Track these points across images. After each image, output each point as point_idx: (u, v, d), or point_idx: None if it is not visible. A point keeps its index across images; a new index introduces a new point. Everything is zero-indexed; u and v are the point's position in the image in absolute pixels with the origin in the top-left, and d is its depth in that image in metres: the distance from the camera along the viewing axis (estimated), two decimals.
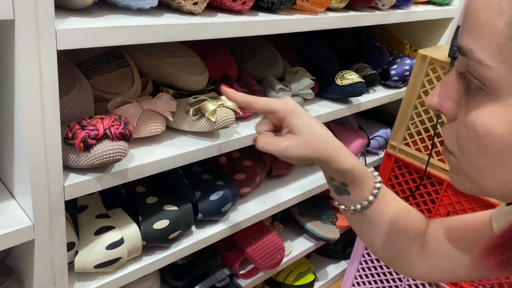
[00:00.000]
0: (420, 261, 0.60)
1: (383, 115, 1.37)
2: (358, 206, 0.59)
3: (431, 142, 1.07)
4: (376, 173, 0.61)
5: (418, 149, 1.12)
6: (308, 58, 1.06)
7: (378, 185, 0.59)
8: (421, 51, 1.05)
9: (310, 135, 0.56)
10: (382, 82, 1.18)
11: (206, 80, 0.79)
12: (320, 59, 1.05)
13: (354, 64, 1.12)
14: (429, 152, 1.07)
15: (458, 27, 0.98)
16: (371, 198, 0.58)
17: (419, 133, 1.11)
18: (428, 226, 0.62)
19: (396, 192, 1.18)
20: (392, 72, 1.16)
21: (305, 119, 0.58)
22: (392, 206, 0.60)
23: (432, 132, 1.07)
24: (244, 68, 0.93)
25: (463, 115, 0.37)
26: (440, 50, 1.06)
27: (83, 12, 0.56)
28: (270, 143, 0.58)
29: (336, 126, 1.26)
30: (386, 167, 1.18)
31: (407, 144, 1.13)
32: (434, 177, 1.10)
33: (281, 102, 0.59)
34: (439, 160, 1.08)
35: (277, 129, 0.61)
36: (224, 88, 0.63)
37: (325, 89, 1.02)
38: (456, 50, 0.97)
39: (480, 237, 0.55)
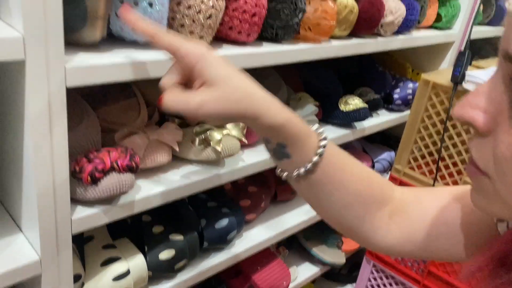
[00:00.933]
0: (387, 232, 0.53)
1: (387, 138, 1.38)
2: (302, 170, 0.49)
3: (435, 165, 1.07)
4: (322, 129, 0.51)
5: (423, 173, 1.12)
6: (312, 83, 1.07)
7: (323, 142, 0.49)
8: (423, 75, 1.06)
9: (230, 86, 0.46)
10: (385, 105, 1.19)
11: None
12: (323, 83, 1.06)
13: (357, 88, 1.13)
14: (434, 176, 1.07)
15: (460, 53, 0.99)
16: (315, 158, 0.49)
17: (423, 157, 1.11)
18: (403, 193, 0.55)
19: None
20: (395, 96, 1.17)
21: (222, 67, 0.47)
22: (344, 169, 0.51)
23: (436, 156, 1.07)
24: None
25: (504, 132, 0.33)
26: (442, 74, 1.07)
27: (91, 48, 0.57)
28: (179, 101, 0.46)
29: None
30: None
31: (411, 168, 1.13)
32: None
33: (193, 45, 0.47)
34: (445, 184, 1.08)
35: (188, 83, 0.50)
36: (124, 11, 0.50)
37: (328, 114, 1.03)
38: (458, 76, 0.98)
39: (480, 229, 0.48)
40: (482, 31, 1.38)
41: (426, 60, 1.30)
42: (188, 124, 0.78)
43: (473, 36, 1.35)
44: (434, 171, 1.07)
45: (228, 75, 0.46)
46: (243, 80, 0.47)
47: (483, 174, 0.36)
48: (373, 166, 1.24)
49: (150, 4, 0.57)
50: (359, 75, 1.18)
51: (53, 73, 0.49)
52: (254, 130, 0.51)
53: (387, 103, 1.19)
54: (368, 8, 0.88)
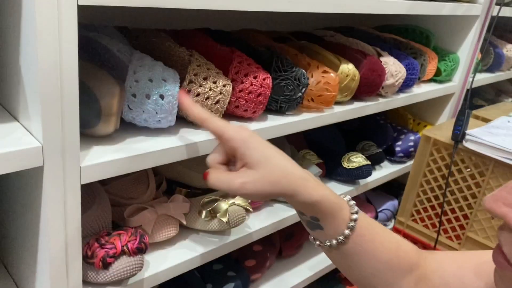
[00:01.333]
0: None
1: (390, 185, 1.39)
2: (334, 242, 0.52)
3: (438, 219, 1.08)
4: (353, 202, 0.54)
5: (426, 226, 1.13)
6: (315, 140, 1.09)
7: (354, 216, 0.52)
8: (424, 132, 1.08)
9: (268, 168, 0.50)
10: (388, 157, 1.21)
11: None
12: (327, 141, 1.09)
13: (360, 142, 1.15)
14: (437, 229, 1.08)
15: (459, 111, 1.02)
16: (347, 232, 0.52)
17: (426, 210, 1.12)
18: (426, 258, 0.57)
19: None
20: (397, 149, 1.19)
21: (261, 150, 0.51)
22: (374, 239, 0.54)
23: (439, 210, 1.09)
24: None
25: None
26: (443, 129, 1.09)
27: (105, 139, 0.60)
28: (223, 180, 0.51)
29: None
30: None
31: (414, 221, 1.15)
32: None
33: (236, 130, 0.52)
34: (447, 238, 1.09)
35: (231, 161, 0.55)
36: (181, 97, 0.56)
37: (332, 172, 1.05)
38: (459, 134, 1.00)
39: None
40: (482, 79, 1.41)
41: (427, 111, 1.33)
42: (195, 194, 0.80)
43: (473, 85, 1.38)
44: (437, 224, 1.08)
45: (266, 158, 0.51)
46: (281, 161, 0.52)
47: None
48: (376, 217, 1.26)
49: (161, 97, 0.60)
50: (361, 128, 1.20)
51: (69, 174, 0.52)
52: (291, 204, 0.54)
53: (390, 155, 1.21)
54: (369, 75, 0.90)
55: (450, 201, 1.06)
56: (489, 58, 1.43)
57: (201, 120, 0.56)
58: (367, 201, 1.30)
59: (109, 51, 0.63)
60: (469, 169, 1.02)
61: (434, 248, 1.09)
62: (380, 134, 1.18)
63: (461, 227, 1.06)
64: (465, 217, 1.05)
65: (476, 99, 1.80)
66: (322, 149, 1.07)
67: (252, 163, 0.50)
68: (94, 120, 0.56)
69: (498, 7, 1.18)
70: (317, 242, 0.56)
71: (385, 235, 0.56)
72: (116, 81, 0.57)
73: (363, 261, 0.54)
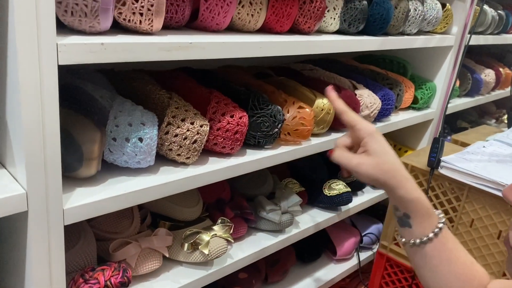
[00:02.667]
0: None
1: (375, 208, 1.42)
2: (417, 241, 0.61)
3: None
4: (442, 215, 0.63)
5: None
6: (298, 168, 1.13)
7: (440, 225, 0.60)
8: (402, 159, 1.12)
9: (383, 159, 0.61)
10: None
11: (200, 210, 0.86)
12: (308, 168, 1.13)
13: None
14: None
15: (434, 139, 1.06)
16: (431, 235, 0.60)
17: None
18: (490, 283, 0.62)
19: None
20: None
21: (382, 144, 0.62)
22: (453, 251, 0.61)
23: None
24: (236, 187, 1.00)
25: None
26: (421, 155, 1.13)
27: (88, 181, 0.64)
28: (344, 157, 0.64)
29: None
30: (379, 265, 1.21)
31: (397, 244, 1.18)
32: None
33: (366, 124, 0.65)
34: None
35: (353, 148, 0.67)
36: (329, 93, 0.70)
37: (314, 199, 1.09)
38: (434, 161, 1.05)
39: None
40: (461, 104, 1.46)
41: (408, 136, 1.38)
42: (178, 227, 0.84)
43: (452, 110, 1.43)
44: None
45: (384, 151, 0.62)
46: (394, 158, 0.62)
47: None
48: (361, 241, 1.29)
49: (140, 140, 0.64)
50: None
51: (52, 217, 0.55)
52: (390, 198, 0.63)
53: None
54: None
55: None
56: (467, 84, 1.48)
57: (340, 112, 0.67)
58: (352, 225, 1.33)
59: (92, 98, 0.67)
60: (446, 196, 1.06)
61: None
62: None
63: None
64: None
65: (460, 121, 1.85)
66: (305, 177, 1.11)
67: (371, 151, 0.62)
68: (77, 164, 0.60)
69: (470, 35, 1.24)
70: (403, 240, 0.64)
71: (463, 251, 0.63)
72: (97, 127, 0.61)
73: (440, 267, 0.61)
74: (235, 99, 0.81)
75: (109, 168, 0.68)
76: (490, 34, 1.46)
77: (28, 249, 0.56)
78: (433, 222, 0.61)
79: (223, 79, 0.90)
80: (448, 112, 1.44)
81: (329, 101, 0.73)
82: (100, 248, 0.76)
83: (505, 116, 2.05)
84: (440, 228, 0.60)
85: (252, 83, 0.93)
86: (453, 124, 1.83)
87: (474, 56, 1.75)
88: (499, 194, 0.95)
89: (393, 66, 1.27)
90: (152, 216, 0.86)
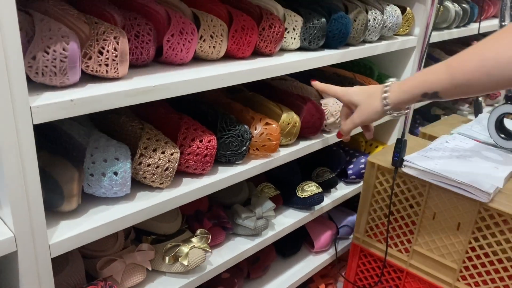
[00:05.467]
0: None
1: (350, 200, 1.51)
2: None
3: (389, 234, 1.20)
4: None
5: (379, 241, 1.25)
6: (273, 172, 1.20)
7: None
8: (369, 158, 1.20)
9: (364, 103, 0.80)
10: (342, 179, 1.33)
11: (179, 223, 0.94)
12: (283, 172, 1.20)
13: (315, 169, 1.27)
14: (388, 243, 1.21)
15: (397, 140, 1.13)
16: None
17: (377, 227, 1.24)
18: None
19: (365, 278, 1.31)
20: (349, 172, 1.31)
21: (355, 96, 0.82)
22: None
23: (388, 226, 1.21)
24: (214, 196, 1.07)
25: None
26: (386, 154, 1.21)
27: (70, 213, 0.71)
28: (347, 124, 0.84)
29: None
30: (353, 255, 1.31)
31: (369, 236, 1.27)
32: (394, 266, 1.22)
33: (342, 89, 0.84)
34: (397, 251, 1.21)
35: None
36: (315, 83, 0.89)
37: (289, 201, 1.17)
38: (397, 160, 1.12)
39: None
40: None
41: (377, 132, 1.45)
42: (160, 241, 0.91)
43: (420, 104, 1.50)
44: (388, 239, 1.21)
45: (360, 101, 0.82)
46: (363, 98, 0.82)
47: None
48: (338, 232, 1.38)
49: (115, 173, 0.71)
50: (315, 155, 1.31)
51: (40, 252, 0.63)
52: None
53: (344, 177, 1.33)
54: (310, 119, 1.02)
55: (397, 218, 1.19)
56: None
57: (324, 89, 0.87)
58: (329, 218, 1.42)
59: (69, 135, 0.73)
60: (411, 192, 1.14)
61: (385, 261, 1.21)
62: (333, 159, 1.29)
63: (408, 241, 1.19)
64: (411, 232, 1.17)
65: (434, 108, 1.92)
66: (279, 180, 1.19)
67: (354, 105, 0.83)
68: (59, 202, 0.67)
69: (433, 34, 1.30)
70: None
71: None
72: (74, 167, 0.68)
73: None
74: (204, 120, 0.88)
75: (89, 198, 0.75)
76: (456, 27, 1.52)
77: (20, 282, 0.63)
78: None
79: (194, 100, 0.96)
80: (417, 107, 1.52)
81: (317, 87, 0.90)
82: (88, 266, 0.83)
83: (480, 99, 2.12)
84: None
85: (221, 101, 0.99)
86: (427, 111, 1.90)
87: (447, 45, 1.81)
88: (457, 190, 1.03)
89: (360, 68, 1.34)
90: (136, 231, 0.93)
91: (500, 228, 1.01)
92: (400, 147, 1.13)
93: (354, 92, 0.83)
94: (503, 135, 1.22)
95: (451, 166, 1.09)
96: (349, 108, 0.86)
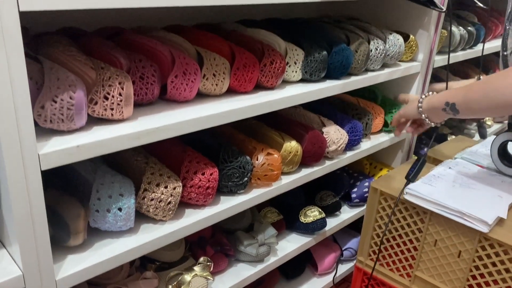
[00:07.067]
0: None
1: (354, 221, 1.52)
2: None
3: (391, 259, 1.22)
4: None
5: (382, 265, 1.26)
6: (277, 197, 1.23)
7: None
8: (372, 184, 1.21)
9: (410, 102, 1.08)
10: (346, 202, 1.34)
11: (182, 251, 0.96)
12: (286, 196, 1.22)
13: (318, 192, 1.29)
14: (391, 267, 1.22)
15: (417, 158, 1.14)
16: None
17: (380, 251, 1.25)
18: None
19: None
20: (353, 195, 1.32)
21: (411, 98, 1.14)
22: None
23: (391, 251, 1.22)
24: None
25: None
26: (391, 180, 1.22)
27: (77, 248, 0.74)
28: (395, 114, 1.10)
29: None
30: (356, 279, 1.32)
31: (372, 259, 1.28)
32: None
33: (412, 95, 1.19)
34: (400, 275, 1.22)
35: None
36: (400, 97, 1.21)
37: (291, 225, 1.19)
38: (411, 173, 1.13)
39: None
40: None
41: (382, 155, 1.46)
42: (163, 268, 0.94)
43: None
44: (391, 264, 1.22)
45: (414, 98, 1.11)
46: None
47: None
48: (342, 254, 1.39)
49: (120, 209, 0.74)
50: (319, 179, 1.33)
51: (46, 287, 0.66)
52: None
53: (347, 200, 1.34)
54: (311, 147, 1.04)
55: (399, 243, 1.20)
56: None
57: (406, 100, 1.18)
58: (333, 239, 1.43)
59: (76, 172, 0.77)
60: (413, 218, 1.15)
61: (371, 276, 1.22)
62: (337, 183, 1.31)
63: (410, 266, 1.20)
64: (413, 257, 1.18)
65: (441, 127, 1.92)
66: (283, 204, 1.21)
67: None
68: (65, 238, 0.70)
69: (437, 58, 1.31)
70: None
71: None
72: (81, 204, 0.71)
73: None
74: (207, 151, 0.91)
75: (95, 231, 0.78)
76: (462, 50, 1.53)
77: None
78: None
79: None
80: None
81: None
82: None
83: (486, 118, 2.12)
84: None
85: (224, 131, 1.02)
86: (434, 130, 1.90)
87: (454, 66, 1.82)
88: (457, 219, 1.04)
89: (364, 92, 1.35)
90: (141, 258, 0.96)
91: (501, 258, 1.01)
92: (417, 164, 1.14)
93: (412, 96, 1.17)
94: (506, 162, 1.22)
95: (453, 194, 1.10)
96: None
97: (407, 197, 1.13)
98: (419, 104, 1.00)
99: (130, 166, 0.83)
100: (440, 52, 1.40)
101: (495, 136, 1.25)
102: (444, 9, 1.16)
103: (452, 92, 0.93)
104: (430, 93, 1.00)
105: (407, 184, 1.15)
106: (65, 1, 0.55)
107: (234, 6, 1.17)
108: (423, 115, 1.02)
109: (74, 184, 0.77)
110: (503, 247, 1.00)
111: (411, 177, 1.14)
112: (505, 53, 1.11)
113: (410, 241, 1.17)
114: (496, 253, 1.02)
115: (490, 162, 1.27)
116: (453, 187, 1.15)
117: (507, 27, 1.10)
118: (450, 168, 1.26)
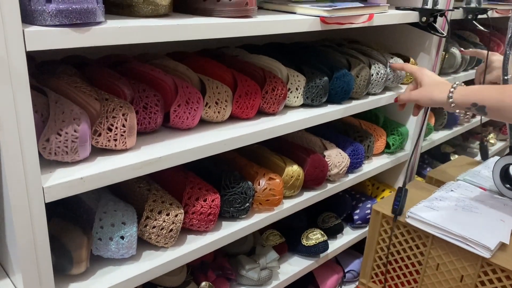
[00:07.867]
0: None
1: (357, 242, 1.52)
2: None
3: (394, 282, 1.21)
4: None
5: (384, 287, 1.26)
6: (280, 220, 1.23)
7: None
8: (374, 206, 1.21)
9: (425, 87, 0.95)
10: (348, 224, 1.34)
11: (184, 276, 0.97)
12: (288, 219, 1.22)
13: (321, 214, 1.29)
14: None
15: (398, 188, 1.15)
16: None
17: (383, 273, 1.25)
18: None
19: None
20: (355, 217, 1.32)
21: (427, 77, 0.95)
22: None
23: (393, 274, 1.21)
24: None
25: None
26: (390, 203, 1.22)
27: (79, 275, 0.74)
28: (406, 95, 0.99)
29: None
30: None
31: (374, 282, 1.27)
32: None
33: (418, 68, 1.01)
34: None
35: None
36: (393, 65, 1.12)
37: (293, 248, 1.19)
38: (397, 209, 1.13)
39: None
40: (437, 139, 1.54)
41: (384, 175, 1.46)
42: None
43: (429, 147, 1.51)
44: (393, 286, 1.21)
45: (429, 83, 0.96)
46: (436, 88, 0.94)
47: None
48: (344, 276, 1.39)
49: (122, 237, 0.75)
50: (321, 200, 1.34)
51: None
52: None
53: (350, 221, 1.34)
54: (313, 171, 1.05)
55: (401, 266, 1.19)
56: (443, 119, 1.56)
57: (401, 69, 1.10)
58: (336, 261, 1.43)
59: (80, 200, 0.78)
60: (415, 242, 1.15)
61: None
62: (339, 204, 1.31)
63: None
64: (415, 281, 1.18)
65: (444, 146, 1.93)
66: (285, 226, 1.21)
67: (422, 84, 0.97)
68: (68, 266, 0.71)
69: None
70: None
71: None
72: (84, 233, 0.72)
73: None
74: (209, 176, 0.92)
75: (97, 258, 0.79)
76: (464, 71, 1.54)
77: None
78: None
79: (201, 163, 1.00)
80: (424, 150, 1.53)
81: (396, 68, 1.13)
82: None
83: (491, 135, 2.12)
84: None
85: (227, 155, 1.03)
86: (437, 149, 1.90)
87: None
88: (459, 244, 1.04)
89: (366, 114, 1.36)
90: (143, 284, 0.96)
91: (503, 284, 1.01)
92: (401, 196, 1.14)
93: (427, 75, 0.97)
94: (508, 186, 1.22)
95: (455, 218, 1.10)
96: (416, 85, 1.01)
97: (409, 220, 1.13)
98: (450, 95, 0.89)
99: (133, 192, 0.84)
100: (441, 74, 1.41)
101: (497, 158, 1.25)
102: (445, 34, 1.17)
103: (484, 92, 0.85)
104: (458, 82, 0.92)
105: (395, 218, 1.15)
106: (66, 41, 0.56)
107: None
108: (456, 110, 0.91)
109: (77, 212, 0.78)
110: (505, 273, 1.00)
111: (398, 211, 1.14)
112: (506, 77, 1.12)
113: (412, 264, 1.17)
114: (499, 279, 1.01)
115: (493, 184, 1.27)
116: (455, 211, 1.14)
117: (508, 52, 1.11)
118: (452, 190, 1.26)
